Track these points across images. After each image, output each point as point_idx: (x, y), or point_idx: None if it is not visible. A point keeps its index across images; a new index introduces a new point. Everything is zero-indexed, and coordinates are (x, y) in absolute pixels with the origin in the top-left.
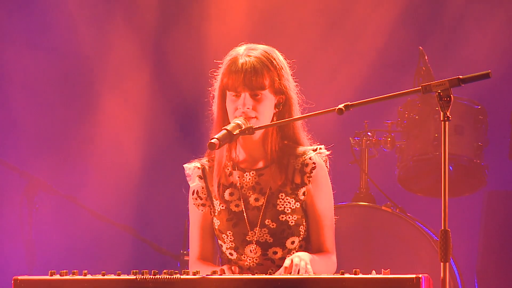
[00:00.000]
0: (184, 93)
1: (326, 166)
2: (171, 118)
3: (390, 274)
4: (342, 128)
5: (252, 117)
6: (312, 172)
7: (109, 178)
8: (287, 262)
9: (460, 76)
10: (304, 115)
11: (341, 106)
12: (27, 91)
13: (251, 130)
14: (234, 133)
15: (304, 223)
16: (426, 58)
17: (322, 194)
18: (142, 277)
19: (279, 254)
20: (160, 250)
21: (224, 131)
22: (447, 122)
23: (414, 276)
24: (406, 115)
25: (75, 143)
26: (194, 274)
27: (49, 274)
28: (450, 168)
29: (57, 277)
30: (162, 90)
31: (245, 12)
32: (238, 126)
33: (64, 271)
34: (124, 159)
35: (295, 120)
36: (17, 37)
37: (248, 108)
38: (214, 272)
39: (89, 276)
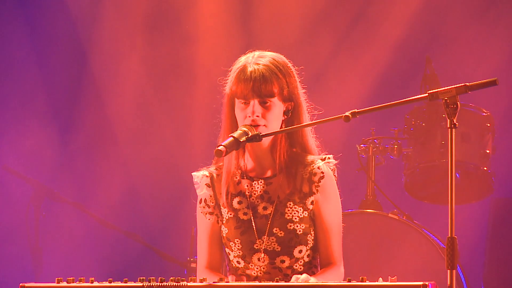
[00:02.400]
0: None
1: (334, 176)
2: (181, 124)
3: (397, 281)
4: (348, 136)
5: (261, 125)
6: (320, 182)
7: (116, 185)
8: (293, 280)
9: (467, 83)
10: (310, 122)
11: (347, 113)
12: (31, 97)
13: (258, 137)
14: (241, 140)
15: (312, 232)
16: (433, 65)
17: (330, 204)
18: (149, 284)
19: (287, 263)
20: (167, 257)
21: (230, 138)
22: (454, 129)
23: (421, 283)
24: (413, 122)
25: (82, 149)
26: (201, 281)
27: (56, 281)
28: (457, 175)
29: (64, 284)
30: (170, 96)
31: (256, 18)
32: (245, 133)
33: (71, 278)
34: (131, 165)
35: (302, 127)
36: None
37: (257, 116)
38: (221, 279)
39: (96, 283)
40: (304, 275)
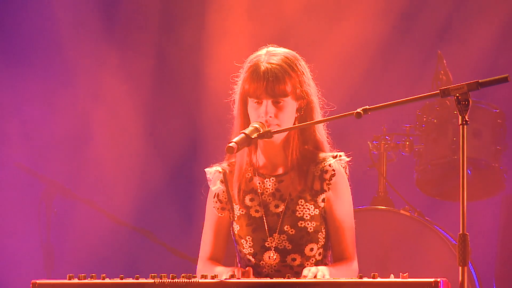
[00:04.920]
0: (200, 98)
1: (346, 173)
2: (190, 122)
3: (409, 278)
4: (360, 132)
5: (274, 125)
6: (331, 179)
7: (127, 182)
8: (305, 272)
9: (479, 80)
10: (322, 119)
11: (359, 110)
12: (42, 93)
13: (269, 134)
14: (252, 137)
15: (323, 230)
16: (445, 62)
17: (342, 201)
18: (160, 281)
19: (298, 261)
20: (178, 253)
21: (242, 135)
22: (465, 126)
23: (432, 280)
24: (425, 119)
25: (92, 146)
26: (213, 278)
27: (68, 277)
28: (469, 172)
29: (75, 280)
30: (178, 95)
31: (264, 17)
32: (256, 130)
33: (83, 274)
34: (143, 163)
35: (312, 124)
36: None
37: (270, 117)
38: (232, 276)
39: (107, 280)
40: (314, 268)
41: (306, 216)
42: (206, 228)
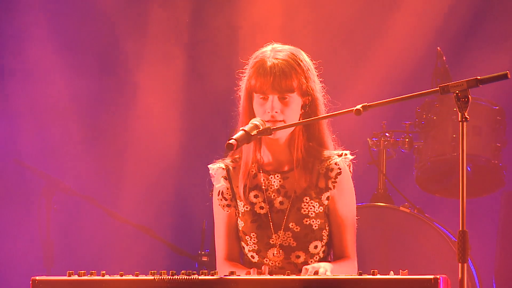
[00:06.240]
0: (207, 97)
1: (350, 171)
2: (191, 120)
3: (408, 274)
4: (360, 129)
5: (280, 120)
6: (337, 178)
7: (127, 179)
8: (303, 272)
9: (478, 77)
10: (322, 115)
11: (359, 106)
12: (47, 90)
13: (269, 131)
14: (252, 134)
15: (326, 228)
16: (444, 58)
17: (346, 200)
18: (160, 277)
19: (302, 259)
20: (178, 250)
21: (242, 132)
22: (465, 123)
23: (432, 277)
24: (424, 115)
25: (93, 143)
26: (212, 274)
27: (67, 274)
28: (468, 168)
29: (75, 277)
30: (185, 93)
31: (272, 11)
32: (256, 126)
33: (82, 271)
34: (142, 160)
35: (312, 121)
36: (41, 31)
37: (276, 112)
38: (232, 273)
39: (107, 277)
40: (310, 266)
41: (311, 214)
42: (217, 228)
